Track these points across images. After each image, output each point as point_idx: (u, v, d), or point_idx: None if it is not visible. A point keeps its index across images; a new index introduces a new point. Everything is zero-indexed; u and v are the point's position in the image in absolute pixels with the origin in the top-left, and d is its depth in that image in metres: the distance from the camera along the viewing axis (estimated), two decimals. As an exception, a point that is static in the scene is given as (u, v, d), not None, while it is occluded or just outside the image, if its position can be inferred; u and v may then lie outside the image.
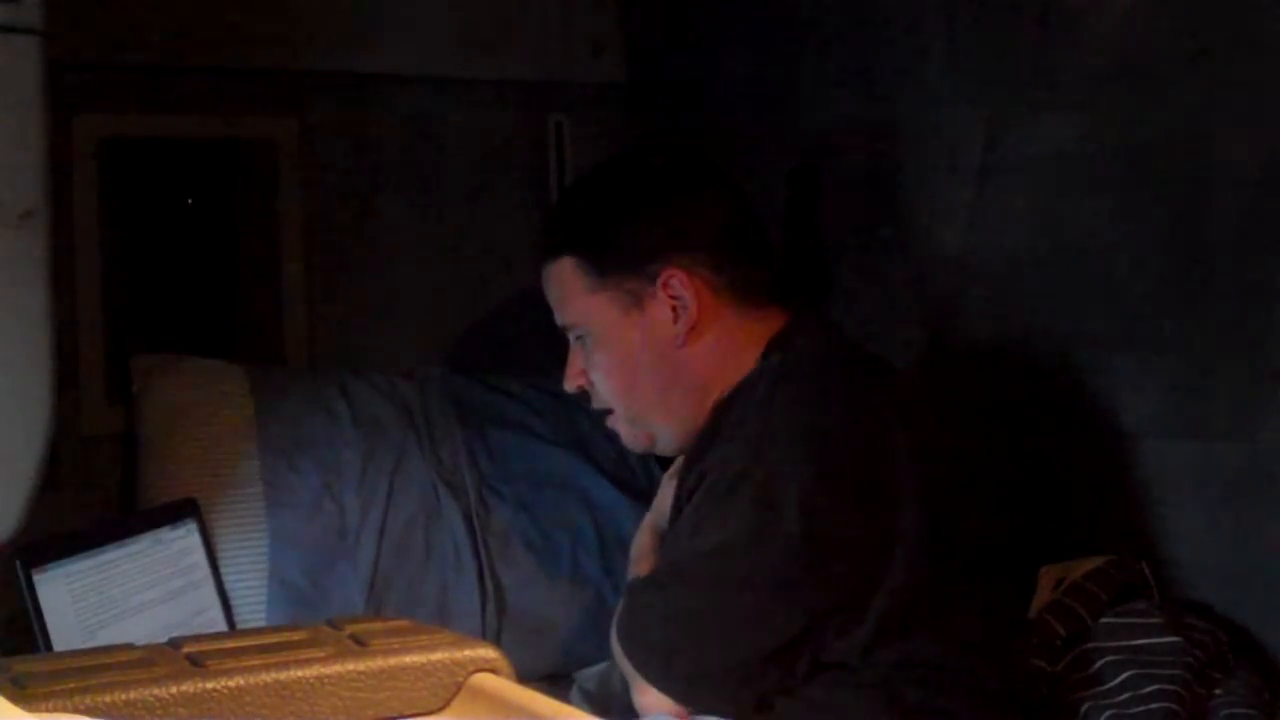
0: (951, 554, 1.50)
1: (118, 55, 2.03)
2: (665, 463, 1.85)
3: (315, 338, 2.21)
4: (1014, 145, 1.89)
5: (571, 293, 1.70)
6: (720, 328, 1.65)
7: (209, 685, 0.90)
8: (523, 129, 2.36)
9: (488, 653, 0.98)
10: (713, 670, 1.47)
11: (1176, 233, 1.72)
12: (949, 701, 1.46)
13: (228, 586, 1.88)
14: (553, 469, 2.10)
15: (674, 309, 1.64)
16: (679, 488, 1.60)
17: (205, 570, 1.85)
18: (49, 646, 1.59)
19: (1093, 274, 1.80)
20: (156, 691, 0.88)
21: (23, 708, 0.80)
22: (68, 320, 1.92)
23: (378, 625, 1.02)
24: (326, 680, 0.93)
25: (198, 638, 0.99)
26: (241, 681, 0.90)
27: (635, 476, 2.12)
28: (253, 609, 1.89)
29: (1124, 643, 1.61)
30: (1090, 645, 1.63)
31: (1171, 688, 1.54)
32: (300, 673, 0.92)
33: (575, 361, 1.74)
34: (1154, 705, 1.53)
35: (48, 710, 0.83)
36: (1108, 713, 1.56)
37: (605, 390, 1.72)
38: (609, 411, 1.75)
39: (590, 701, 1.84)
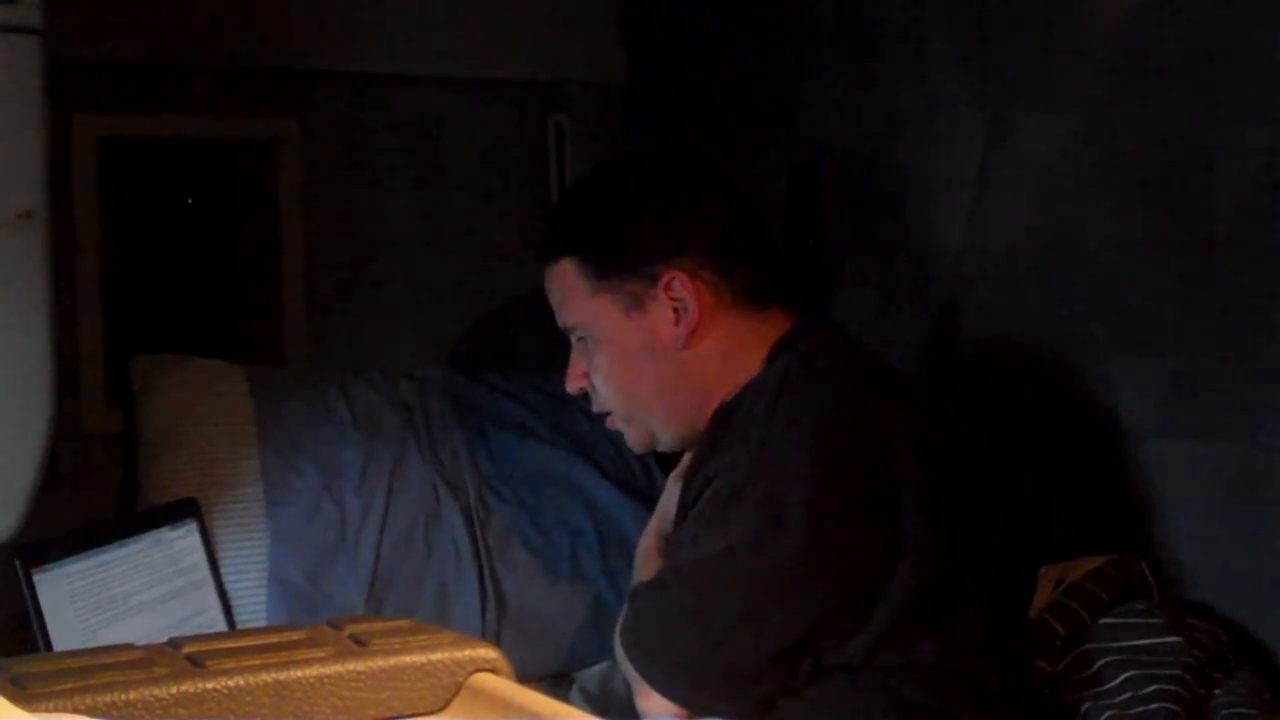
0: (954, 557, 1.50)
1: (118, 55, 2.03)
2: (666, 463, 1.85)
3: (315, 338, 2.21)
4: (1014, 145, 1.89)
5: (573, 294, 1.70)
6: (722, 330, 1.65)
7: (209, 685, 0.90)
8: (523, 129, 2.36)
9: (488, 653, 0.98)
10: (715, 674, 1.46)
11: (1176, 233, 1.72)
12: (950, 703, 1.47)
13: (228, 586, 1.87)
14: (553, 469, 2.10)
15: (675, 311, 1.64)
16: (684, 492, 1.60)
17: (205, 570, 1.85)
18: (49, 646, 1.58)
19: (1093, 274, 1.80)
20: (156, 691, 0.88)
21: (23, 708, 0.80)
22: (68, 320, 1.92)
23: (378, 625, 1.01)
24: (326, 680, 0.93)
25: (198, 638, 0.99)
26: (241, 681, 0.90)
27: (635, 476, 2.12)
28: (253, 609, 1.89)
29: (1124, 643, 1.61)
30: (1090, 645, 1.63)
31: (1172, 688, 1.54)
32: (300, 673, 0.92)
33: (577, 363, 1.74)
34: (1154, 705, 1.53)
35: (48, 710, 0.83)
36: (1108, 713, 1.56)
37: (606, 392, 1.72)
38: (610, 413, 1.75)
39: (591, 702, 1.85)
